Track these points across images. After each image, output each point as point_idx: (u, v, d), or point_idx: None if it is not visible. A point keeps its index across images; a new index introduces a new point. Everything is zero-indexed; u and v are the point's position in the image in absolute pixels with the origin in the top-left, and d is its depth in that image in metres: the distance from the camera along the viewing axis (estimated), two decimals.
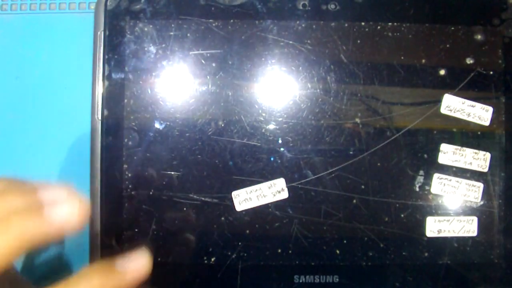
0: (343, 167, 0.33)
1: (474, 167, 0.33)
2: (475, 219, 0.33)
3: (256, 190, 0.33)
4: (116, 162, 0.33)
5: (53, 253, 0.36)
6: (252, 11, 0.33)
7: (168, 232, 0.33)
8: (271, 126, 0.33)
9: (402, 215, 0.33)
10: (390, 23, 0.33)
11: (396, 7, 0.34)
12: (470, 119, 0.33)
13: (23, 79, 0.36)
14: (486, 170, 0.33)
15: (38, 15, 0.37)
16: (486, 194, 0.33)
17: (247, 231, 0.33)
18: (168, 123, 0.33)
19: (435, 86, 0.33)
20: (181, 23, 0.33)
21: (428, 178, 0.33)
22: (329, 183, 0.33)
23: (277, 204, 0.33)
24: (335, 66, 0.33)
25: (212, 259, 0.33)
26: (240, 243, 0.33)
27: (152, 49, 0.33)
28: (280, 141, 0.33)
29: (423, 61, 0.33)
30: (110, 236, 0.32)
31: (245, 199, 0.33)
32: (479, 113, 0.33)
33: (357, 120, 0.33)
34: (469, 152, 0.33)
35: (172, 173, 0.33)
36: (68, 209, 0.21)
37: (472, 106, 0.33)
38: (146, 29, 0.33)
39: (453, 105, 0.33)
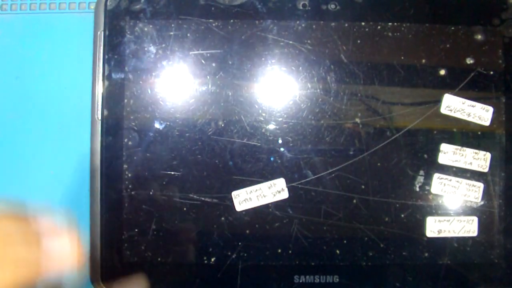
0: (343, 167, 0.33)
1: (474, 167, 0.33)
2: (475, 219, 0.33)
3: (256, 190, 0.33)
4: (116, 162, 0.33)
5: None
6: (252, 11, 0.33)
7: (168, 232, 0.33)
8: (271, 126, 0.33)
9: (402, 215, 0.33)
10: (390, 23, 0.33)
11: (396, 7, 0.34)
12: (470, 119, 0.33)
13: (23, 79, 0.36)
14: (486, 170, 0.33)
15: (38, 15, 0.37)
16: (486, 194, 0.33)
17: (247, 231, 0.33)
18: (168, 123, 0.33)
19: (435, 86, 0.33)
20: (181, 23, 0.33)
21: (428, 178, 0.33)
22: (329, 183, 0.33)
23: (277, 204, 0.33)
24: (335, 66, 0.33)
25: (212, 259, 0.33)
26: (240, 243, 0.33)
27: (152, 49, 0.33)
28: (280, 141, 0.33)
29: (423, 61, 0.33)
30: (110, 236, 0.32)
31: (245, 199, 0.33)
32: (479, 113, 0.33)
33: (357, 120, 0.33)
34: (469, 152, 0.33)
35: (172, 173, 0.33)
36: (65, 247, 0.21)
37: (472, 106, 0.33)
38: (146, 29, 0.33)
39: (453, 105, 0.33)
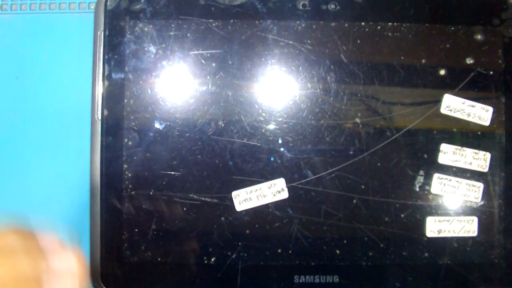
0: (343, 167, 0.33)
1: (474, 167, 0.33)
2: (475, 219, 0.33)
3: (256, 190, 0.33)
4: (116, 162, 0.33)
5: None
6: (252, 11, 0.33)
7: (168, 232, 0.33)
8: (271, 126, 0.33)
9: (402, 215, 0.33)
10: (390, 23, 0.33)
11: (396, 7, 0.34)
12: (470, 119, 0.33)
13: (23, 79, 0.36)
14: (486, 170, 0.33)
15: (38, 15, 0.37)
16: (486, 194, 0.33)
17: (247, 231, 0.33)
18: (168, 123, 0.33)
19: (435, 86, 0.33)
20: (181, 23, 0.33)
21: (428, 178, 0.33)
22: (329, 183, 0.33)
23: (277, 204, 0.33)
24: (335, 66, 0.33)
25: (212, 259, 0.33)
26: (240, 243, 0.33)
27: (152, 49, 0.33)
28: (280, 141, 0.33)
29: (423, 61, 0.33)
30: (110, 236, 0.32)
31: (245, 199, 0.33)
32: (479, 113, 0.33)
33: (357, 120, 0.33)
34: (469, 152, 0.33)
35: (172, 173, 0.33)
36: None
37: (472, 106, 0.33)
38: (146, 29, 0.33)
39: (453, 105, 0.33)
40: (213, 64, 0.33)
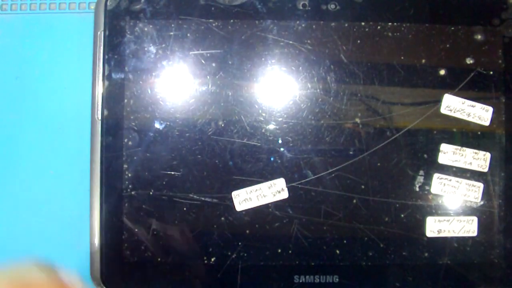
0: (343, 167, 0.33)
1: (474, 167, 0.33)
2: (475, 219, 0.33)
3: (256, 190, 0.33)
4: (116, 162, 0.33)
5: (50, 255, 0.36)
6: (252, 11, 0.33)
7: (168, 232, 0.33)
8: (271, 126, 0.33)
9: (402, 215, 0.33)
10: (390, 23, 0.33)
11: (396, 7, 0.34)
12: (470, 119, 0.33)
13: (23, 79, 0.36)
14: (486, 170, 0.33)
15: (38, 15, 0.37)
16: (486, 194, 0.33)
17: (247, 231, 0.33)
18: (168, 123, 0.33)
19: (435, 86, 0.33)
20: (181, 23, 0.33)
21: (428, 178, 0.33)
22: (329, 183, 0.33)
23: (277, 204, 0.33)
24: (335, 66, 0.33)
25: (212, 259, 0.33)
26: (240, 243, 0.33)
27: (152, 49, 0.33)
28: (280, 141, 0.33)
29: (423, 61, 0.33)
30: (110, 236, 0.32)
31: (245, 199, 0.33)
32: (479, 113, 0.33)
33: (357, 120, 0.33)
34: (469, 152, 0.33)
35: (172, 173, 0.33)
36: None
37: (472, 106, 0.33)
38: (146, 29, 0.33)
39: (453, 105, 0.33)
40: (213, 64, 0.33)
